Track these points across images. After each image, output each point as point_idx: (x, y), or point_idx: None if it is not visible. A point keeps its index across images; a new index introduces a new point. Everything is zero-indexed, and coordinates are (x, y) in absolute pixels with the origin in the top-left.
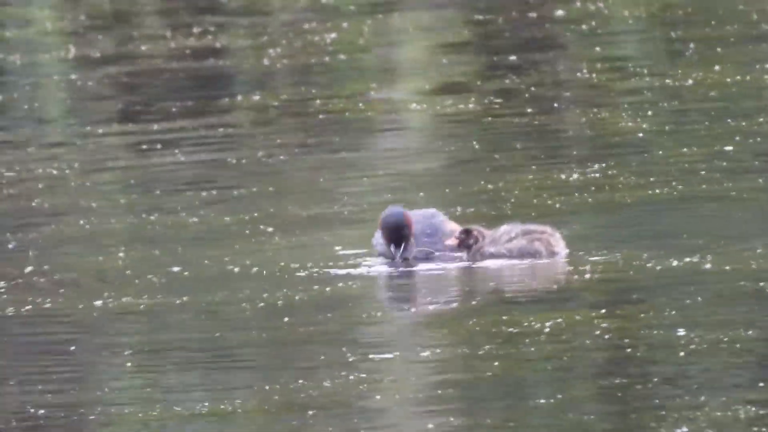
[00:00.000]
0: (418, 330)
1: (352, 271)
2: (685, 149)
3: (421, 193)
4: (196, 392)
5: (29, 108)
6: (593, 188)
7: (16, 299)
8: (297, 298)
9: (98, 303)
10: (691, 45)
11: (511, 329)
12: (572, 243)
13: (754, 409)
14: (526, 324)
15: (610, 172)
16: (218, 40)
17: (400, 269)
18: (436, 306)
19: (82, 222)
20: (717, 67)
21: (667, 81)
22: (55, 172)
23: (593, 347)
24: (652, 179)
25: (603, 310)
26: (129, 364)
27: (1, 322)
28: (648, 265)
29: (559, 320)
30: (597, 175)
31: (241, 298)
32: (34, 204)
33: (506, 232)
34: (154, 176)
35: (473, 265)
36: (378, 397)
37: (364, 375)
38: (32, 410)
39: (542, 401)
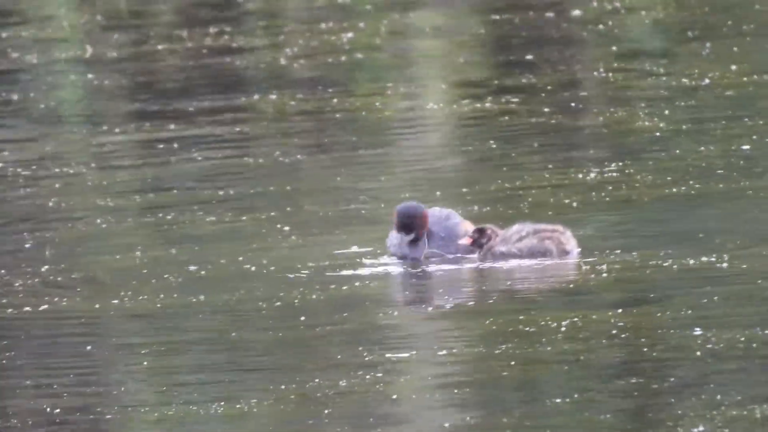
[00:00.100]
0: (435, 329)
1: (368, 270)
2: (702, 148)
3: (438, 192)
4: (213, 392)
5: (46, 107)
6: (610, 187)
7: (32, 298)
8: (313, 297)
9: (115, 302)
10: (708, 44)
11: (527, 328)
12: (589, 242)
13: None
14: (542, 323)
15: (627, 171)
16: (235, 40)
17: (414, 268)
18: (453, 305)
19: (98, 221)
20: (734, 67)
21: (684, 80)
22: (71, 171)
23: (609, 346)
24: (669, 178)
25: (619, 309)
26: (145, 363)
27: (18, 321)
28: (665, 264)
29: (576, 319)
30: (614, 174)
31: (257, 297)
32: (50, 203)
33: (517, 232)
34: (170, 175)
35: (484, 265)
36: (394, 396)
37: (380, 374)
38: (48, 409)
39: (558, 400)
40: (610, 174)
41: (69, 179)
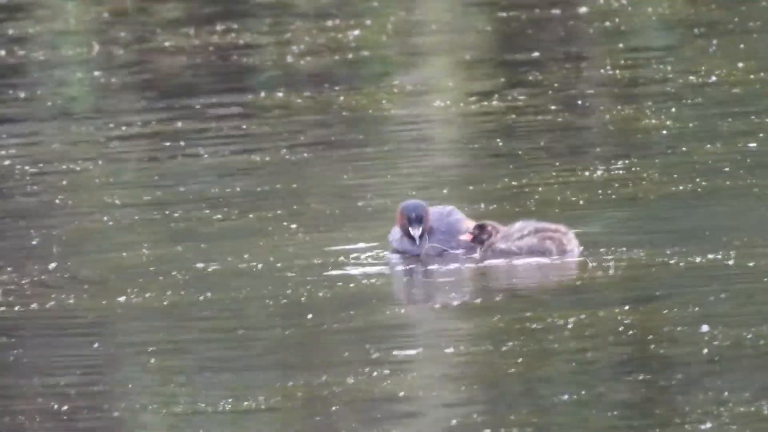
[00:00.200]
0: (441, 326)
1: (375, 268)
2: (708, 146)
3: (445, 190)
4: (220, 389)
5: (52, 104)
6: (617, 185)
7: (39, 295)
8: (320, 294)
9: (121, 299)
10: (715, 41)
11: (534, 325)
12: (595, 239)
13: None
14: (549, 320)
15: (633, 169)
16: (241, 37)
17: (416, 264)
18: (459, 302)
19: (105, 218)
20: (741, 64)
21: (691, 78)
22: (78, 168)
23: (616, 344)
24: (675, 176)
25: (626, 307)
26: (152, 360)
27: (25, 318)
28: (671, 261)
29: (582, 317)
30: (621, 171)
31: (264, 295)
32: (57, 200)
33: (519, 230)
34: (177, 173)
35: (484, 262)
36: (401, 393)
37: (387, 371)
38: (55, 407)
39: (565, 397)
40: (616, 171)
41: (75, 176)
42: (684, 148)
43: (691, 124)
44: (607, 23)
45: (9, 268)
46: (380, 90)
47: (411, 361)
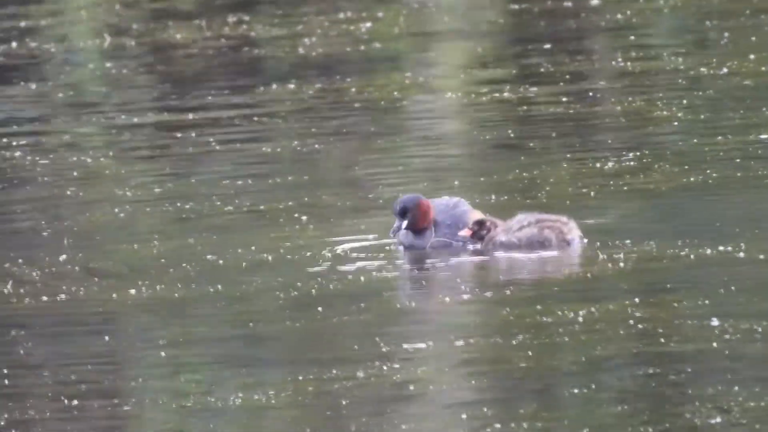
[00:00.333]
0: (451, 320)
1: (386, 261)
2: (719, 138)
3: (456, 182)
4: (230, 383)
5: (64, 96)
6: (628, 176)
7: (50, 288)
8: (331, 287)
9: (132, 292)
10: (726, 34)
11: (544, 319)
12: (606, 231)
13: None
14: (559, 313)
15: (644, 161)
16: (253, 29)
17: (423, 258)
18: (470, 296)
19: (116, 210)
20: (752, 56)
21: (702, 70)
22: (89, 160)
23: (627, 337)
24: (686, 167)
25: (636, 299)
26: (163, 354)
27: (36, 310)
28: (682, 253)
29: (593, 310)
30: (632, 163)
31: (274, 287)
32: (68, 192)
33: (519, 221)
34: (188, 165)
35: (486, 255)
36: (411, 387)
37: (397, 365)
38: (66, 400)
39: (576, 391)
40: (628, 163)
41: (87, 168)
42: (695, 140)
43: (702, 116)
44: (619, 15)
45: (20, 260)
46: (392, 82)
47: (421, 354)
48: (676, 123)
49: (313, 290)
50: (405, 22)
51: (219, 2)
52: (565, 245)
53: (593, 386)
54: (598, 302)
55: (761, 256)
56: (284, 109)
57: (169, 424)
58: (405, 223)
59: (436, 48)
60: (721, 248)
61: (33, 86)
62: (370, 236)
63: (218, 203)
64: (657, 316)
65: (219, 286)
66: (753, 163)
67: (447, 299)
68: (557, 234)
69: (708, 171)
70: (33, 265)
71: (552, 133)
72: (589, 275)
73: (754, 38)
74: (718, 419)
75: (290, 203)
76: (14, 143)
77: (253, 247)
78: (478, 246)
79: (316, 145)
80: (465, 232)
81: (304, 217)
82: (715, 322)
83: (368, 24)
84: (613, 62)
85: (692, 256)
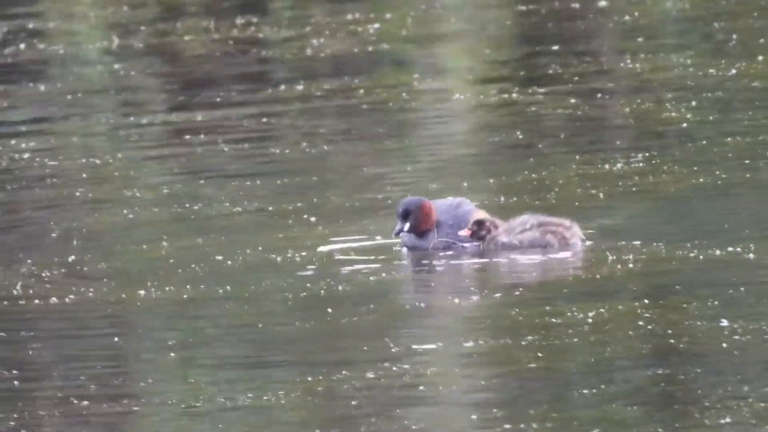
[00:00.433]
0: (461, 321)
1: (395, 261)
2: (728, 139)
3: (465, 183)
4: (239, 383)
5: (73, 98)
6: (636, 178)
7: (58, 288)
8: (339, 288)
9: (141, 292)
10: (734, 35)
11: (553, 320)
12: (615, 233)
13: None
14: (568, 314)
15: (653, 162)
16: (261, 31)
17: (427, 259)
18: (478, 297)
19: (125, 211)
20: (760, 58)
21: (711, 71)
22: (98, 161)
23: (636, 338)
24: (695, 169)
25: (646, 300)
26: (172, 354)
27: (44, 311)
28: (691, 254)
29: (602, 311)
30: (640, 164)
31: (283, 288)
32: (77, 193)
33: (522, 223)
34: (197, 166)
35: (488, 256)
36: (421, 388)
37: (407, 366)
38: (75, 401)
39: (585, 391)
40: (636, 164)
41: (95, 169)
42: (703, 142)
43: (710, 117)
44: (627, 17)
45: (29, 261)
46: (400, 83)
47: (431, 355)
48: (684, 124)
49: (322, 291)
50: (413, 23)
51: (227, 4)
52: (567, 250)
53: (603, 387)
54: (608, 303)
55: None
56: (292, 110)
57: (178, 424)
58: (407, 225)
59: (443, 49)
60: (730, 249)
61: (41, 87)
62: (379, 237)
63: (226, 204)
64: (666, 316)
65: (227, 287)
66: (762, 165)
67: (456, 300)
68: (560, 239)
69: (717, 172)
70: (42, 265)
71: (560, 135)
72: (598, 276)
73: (762, 40)
74: (728, 419)
75: (298, 204)
76: (23, 144)
77: (261, 248)
78: (480, 247)
79: (324, 146)
80: (464, 232)
81: (312, 218)
82: (724, 322)
83: (376, 25)
84: (621, 64)
85: (701, 257)
